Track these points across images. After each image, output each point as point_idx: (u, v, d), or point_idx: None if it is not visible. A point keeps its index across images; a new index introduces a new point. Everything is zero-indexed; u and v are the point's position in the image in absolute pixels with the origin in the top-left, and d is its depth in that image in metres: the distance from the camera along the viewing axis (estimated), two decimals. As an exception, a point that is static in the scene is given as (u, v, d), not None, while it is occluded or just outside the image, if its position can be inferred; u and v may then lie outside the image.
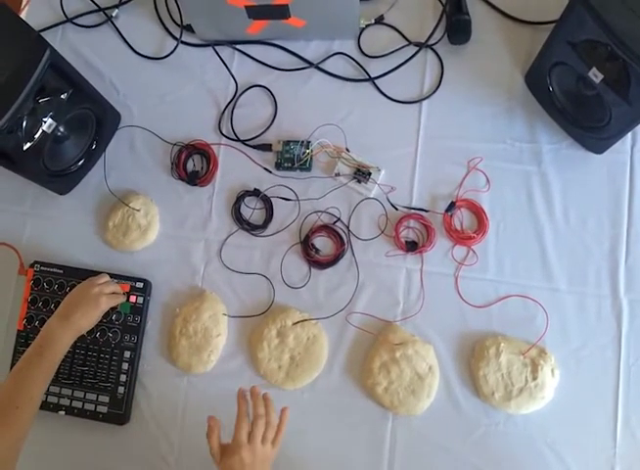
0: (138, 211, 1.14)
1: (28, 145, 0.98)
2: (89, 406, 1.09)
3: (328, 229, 1.11)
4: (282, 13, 1.08)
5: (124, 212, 1.15)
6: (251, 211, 1.14)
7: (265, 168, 1.15)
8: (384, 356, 1.04)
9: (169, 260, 1.15)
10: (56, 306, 1.06)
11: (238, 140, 1.17)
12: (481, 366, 1.02)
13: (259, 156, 1.16)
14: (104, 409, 1.09)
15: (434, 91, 1.15)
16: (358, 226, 1.11)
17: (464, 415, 1.03)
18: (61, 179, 1.13)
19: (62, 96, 1.00)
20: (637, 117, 0.91)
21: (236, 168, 1.16)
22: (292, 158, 1.14)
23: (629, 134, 1.07)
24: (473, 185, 1.10)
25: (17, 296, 1.16)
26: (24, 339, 1.12)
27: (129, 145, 1.20)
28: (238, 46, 1.21)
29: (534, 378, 1.01)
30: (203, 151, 1.17)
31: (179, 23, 1.21)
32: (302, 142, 1.14)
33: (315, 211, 1.12)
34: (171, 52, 1.21)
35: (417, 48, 1.16)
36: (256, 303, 1.11)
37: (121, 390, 1.09)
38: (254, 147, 1.16)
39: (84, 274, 1.12)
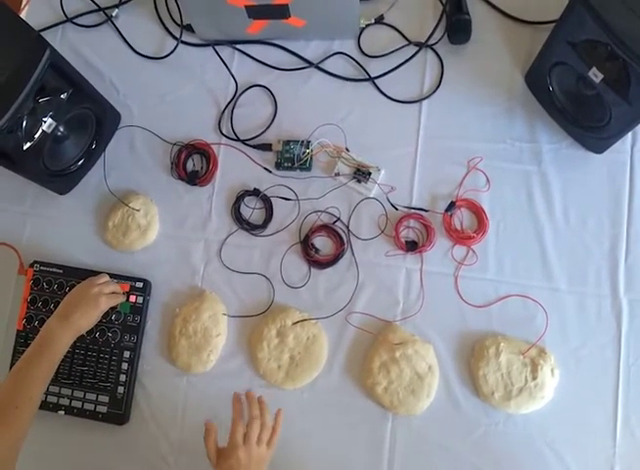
0: (138, 210, 1.14)
1: (28, 145, 0.98)
2: (89, 406, 1.09)
3: (328, 229, 1.11)
4: (282, 13, 1.08)
5: (124, 212, 1.15)
6: (251, 210, 1.14)
7: (265, 168, 1.15)
8: (383, 356, 1.04)
9: (169, 260, 1.15)
10: (55, 306, 1.06)
11: (238, 140, 1.17)
12: (481, 366, 1.02)
13: (259, 155, 1.16)
14: (103, 409, 1.09)
15: (435, 91, 1.15)
16: (358, 226, 1.11)
17: (464, 415, 1.03)
18: (61, 179, 1.13)
19: (62, 96, 1.00)
20: (637, 116, 0.91)
21: (236, 168, 1.16)
22: (292, 157, 1.13)
23: (629, 134, 1.07)
24: (473, 185, 1.10)
25: (16, 296, 1.16)
26: (24, 339, 1.12)
27: (129, 145, 1.20)
28: (238, 46, 1.21)
29: (534, 378, 1.01)
30: (202, 151, 1.17)
31: (179, 22, 1.21)
32: (302, 142, 1.14)
33: (315, 211, 1.12)
34: (171, 52, 1.21)
35: (417, 48, 1.16)
36: (256, 302, 1.11)
37: (121, 390, 1.09)
38: (254, 147, 1.16)
39: (84, 274, 1.12)
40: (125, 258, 1.16)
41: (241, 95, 1.20)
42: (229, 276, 1.13)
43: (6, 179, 1.15)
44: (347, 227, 1.11)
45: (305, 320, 1.08)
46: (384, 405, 1.04)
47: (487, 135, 1.12)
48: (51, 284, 1.13)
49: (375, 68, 1.17)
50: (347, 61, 1.18)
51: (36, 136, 0.98)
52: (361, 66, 1.17)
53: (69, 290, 1.08)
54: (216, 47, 1.21)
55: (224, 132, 1.18)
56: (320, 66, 1.19)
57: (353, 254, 1.10)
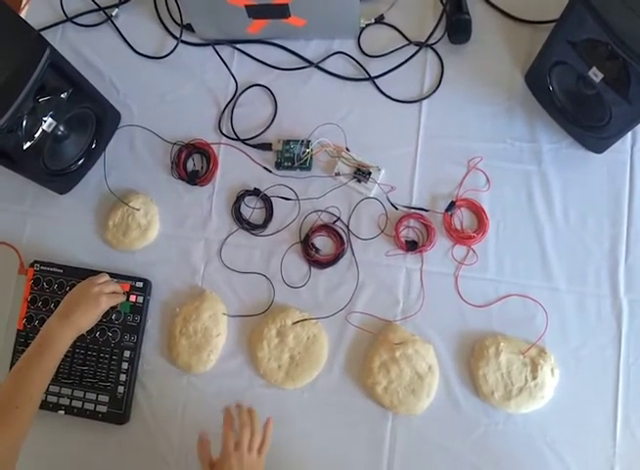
0: (138, 210, 1.14)
1: (28, 144, 0.98)
2: (89, 406, 1.09)
3: (328, 229, 1.11)
4: (282, 12, 1.08)
5: (124, 212, 1.15)
6: (251, 210, 1.14)
7: (265, 168, 1.15)
8: (383, 356, 1.04)
9: (169, 260, 1.15)
10: (55, 306, 1.06)
11: (238, 139, 1.17)
12: (481, 366, 1.02)
13: (259, 155, 1.16)
14: (103, 409, 1.09)
15: (435, 90, 1.15)
16: (358, 226, 1.11)
17: (464, 415, 1.03)
18: (61, 178, 1.13)
19: (62, 95, 1.00)
20: (637, 116, 0.91)
21: (236, 168, 1.16)
22: (292, 157, 1.13)
23: (629, 134, 1.07)
24: (473, 185, 1.10)
25: (16, 295, 1.16)
26: (24, 338, 1.12)
27: (129, 144, 1.20)
28: (238, 45, 1.21)
29: (534, 377, 1.01)
30: (203, 150, 1.17)
31: (179, 22, 1.21)
32: (302, 141, 1.14)
33: (315, 211, 1.12)
34: (171, 51, 1.21)
35: (417, 47, 1.16)
36: (256, 302, 1.11)
37: (121, 389, 1.09)
38: (254, 146, 1.16)
39: (84, 274, 1.12)
40: (125, 258, 1.16)
41: (241, 95, 1.20)
42: (229, 276, 1.13)
43: (6, 179, 1.15)
44: (348, 227, 1.11)
45: (305, 320, 1.08)
46: (384, 405, 1.04)
47: (487, 135, 1.12)
48: (51, 284, 1.13)
49: (375, 67, 1.17)
50: (347, 60, 1.18)
51: (36, 136, 0.98)
52: (361, 65, 1.17)
53: (70, 289, 1.08)
54: (216, 47, 1.21)
55: (224, 132, 1.18)
56: (320, 65, 1.19)
57: (353, 253, 1.10)
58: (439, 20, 1.15)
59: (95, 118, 1.12)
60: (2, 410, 0.91)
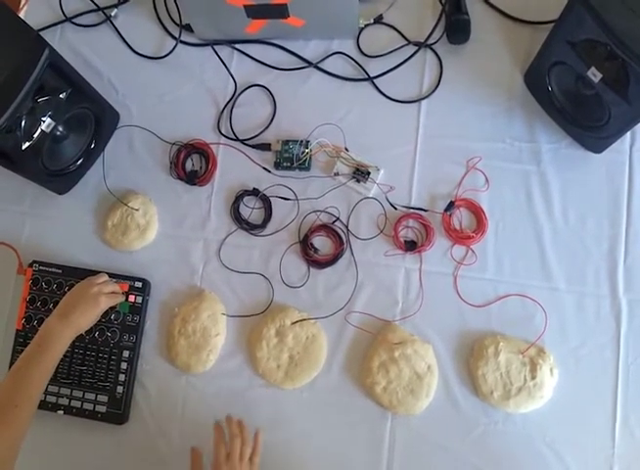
0: (137, 210, 1.14)
1: (27, 144, 0.98)
2: (88, 406, 1.09)
3: (327, 229, 1.11)
4: (281, 12, 1.08)
5: (123, 212, 1.15)
6: (250, 210, 1.14)
7: (264, 168, 1.15)
8: (383, 356, 1.04)
9: (168, 260, 1.15)
10: (54, 306, 1.05)
11: (237, 139, 1.17)
12: (480, 365, 1.02)
13: (258, 155, 1.16)
14: (102, 409, 1.09)
15: (434, 91, 1.15)
16: (357, 226, 1.11)
17: (463, 414, 1.03)
18: (59, 179, 1.13)
19: (60, 95, 1.00)
20: (636, 116, 0.91)
21: (235, 168, 1.16)
22: (291, 157, 1.13)
23: (628, 134, 1.07)
24: (472, 185, 1.10)
25: (15, 295, 1.16)
26: (23, 338, 1.12)
27: (128, 144, 1.20)
28: (237, 45, 1.21)
29: (533, 377, 1.01)
30: (201, 150, 1.17)
31: (178, 22, 1.21)
32: (301, 141, 1.14)
33: (314, 211, 1.12)
34: (170, 51, 1.21)
35: (416, 48, 1.16)
36: (255, 302, 1.11)
37: (120, 389, 1.09)
38: (253, 146, 1.16)
39: (83, 274, 1.12)
40: (124, 258, 1.16)
41: (240, 95, 1.20)
42: (228, 276, 1.13)
43: (5, 179, 1.15)
44: (347, 227, 1.11)
45: (304, 320, 1.08)
46: (383, 405, 1.04)
47: (486, 135, 1.12)
48: (50, 284, 1.13)
49: (374, 67, 1.17)
50: (346, 60, 1.18)
51: (35, 136, 0.98)
52: (360, 65, 1.17)
53: (69, 289, 1.08)
54: (215, 47, 1.21)
55: (223, 132, 1.18)
56: (319, 65, 1.19)
57: (352, 253, 1.10)
58: (438, 20, 1.15)
59: (94, 119, 1.12)
60: (1, 410, 0.90)
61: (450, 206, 1.08)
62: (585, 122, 1.02)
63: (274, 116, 1.18)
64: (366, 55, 1.18)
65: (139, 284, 1.12)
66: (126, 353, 1.10)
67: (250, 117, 1.18)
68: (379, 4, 1.19)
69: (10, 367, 1.09)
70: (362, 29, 1.18)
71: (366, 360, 1.06)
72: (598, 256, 1.06)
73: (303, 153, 1.13)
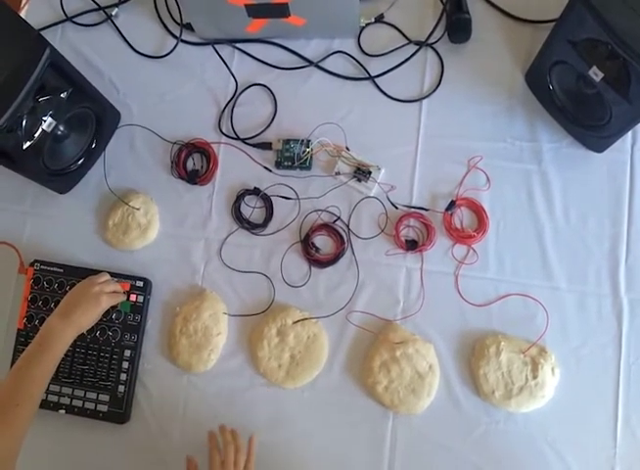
0: (138, 209, 1.14)
1: (28, 144, 0.98)
2: (89, 405, 1.09)
3: (328, 228, 1.11)
4: (282, 11, 1.08)
5: (124, 211, 1.15)
6: (252, 209, 1.14)
7: (265, 167, 1.15)
8: (384, 355, 1.04)
9: (169, 259, 1.15)
10: (56, 305, 1.05)
11: (238, 139, 1.17)
12: (482, 365, 1.02)
13: (259, 154, 1.16)
14: (104, 408, 1.09)
15: (435, 90, 1.15)
16: (358, 225, 1.11)
17: (464, 414, 1.03)
18: (61, 178, 1.13)
19: (61, 95, 1.00)
20: (637, 115, 0.91)
21: (236, 167, 1.16)
22: (292, 156, 1.13)
23: (629, 133, 1.07)
24: (473, 184, 1.10)
25: (17, 294, 1.16)
26: (24, 338, 1.12)
27: (129, 144, 1.20)
28: (238, 45, 1.21)
29: (535, 377, 1.01)
30: (202, 149, 1.17)
31: (179, 21, 1.21)
32: (302, 141, 1.13)
33: (315, 210, 1.12)
34: (171, 51, 1.21)
35: (417, 47, 1.16)
36: (257, 301, 1.11)
37: (122, 388, 1.09)
38: (254, 146, 1.16)
39: (84, 273, 1.12)
40: (125, 257, 1.16)
41: (241, 94, 1.19)
42: (229, 275, 1.13)
43: (6, 178, 1.15)
44: (348, 226, 1.11)
45: (306, 319, 1.08)
46: (384, 404, 1.04)
47: (488, 134, 1.12)
48: (51, 283, 1.13)
49: (375, 66, 1.17)
50: (347, 60, 1.18)
51: (36, 135, 0.98)
52: (361, 64, 1.17)
53: (70, 289, 1.08)
54: (216, 46, 1.20)
55: (224, 131, 1.18)
56: (320, 64, 1.18)
57: (354, 253, 1.10)
58: (439, 19, 1.15)
59: (95, 118, 1.12)
60: (2, 409, 0.91)
61: (451, 205, 1.08)
62: (586, 122, 1.02)
63: (275, 115, 1.18)
64: (367, 54, 1.18)
65: (140, 283, 1.12)
66: (128, 353, 1.10)
67: (251, 117, 1.18)
68: (380, 3, 1.19)
69: (11, 366, 1.09)
70: (363, 28, 1.18)
71: (367, 360, 1.06)
72: (599, 255, 1.06)
73: (304, 152, 1.13)
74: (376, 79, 1.16)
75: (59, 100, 1.00)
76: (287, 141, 1.14)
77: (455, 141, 1.12)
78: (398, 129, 1.14)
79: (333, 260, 1.10)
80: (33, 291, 1.13)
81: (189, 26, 1.20)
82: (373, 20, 1.18)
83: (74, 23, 1.27)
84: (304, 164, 1.13)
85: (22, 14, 1.30)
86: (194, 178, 1.16)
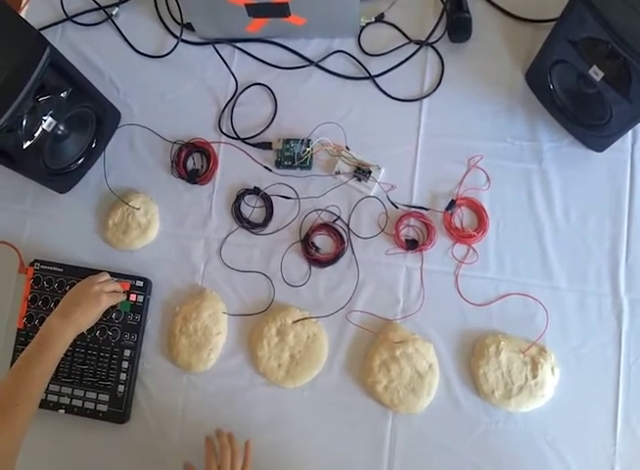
0: (138, 209, 1.14)
1: (28, 143, 0.98)
2: (89, 405, 1.09)
3: (328, 227, 1.11)
4: (282, 11, 1.08)
5: (124, 211, 1.15)
6: (252, 209, 1.14)
7: (265, 167, 1.15)
8: (384, 355, 1.04)
9: (169, 259, 1.15)
10: (56, 305, 1.05)
11: (238, 138, 1.17)
12: (481, 364, 1.02)
13: (259, 154, 1.16)
14: (104, 408, 1.09)
15: (435, 89, 1.15)
16: (358, 224, 1.11)
17: (464, 413, 1.03)
18: (61, 178, 1.13)
19: (62, 94, 1.00)
20: (638, 114, 0.91)
21: (236, 167, 1.16)
22: (292, 156, 1.13)
23: (630, 132, 1.07)
24: (473, 183, 1.10)
25: (17, 294, 1.16)
26: (24, 337, 1.12)
27: (129, 143, 1.20)
28: (238, 44, 1.21)
29: (534, 376, 1.01)
30: (203, 149, 1.17)
31: (179, 21, 1.21)
32: (303, 140, 1.13)
33: (315, 210, 1.12)
34: (171, 50, 1.21)
35: (417, 46, 1.16)
36: (256, 301, 1.11)
37: (121, 388, 1.09)
38: (254, 145, 1.16)
39: (84, 273, 1.12)
40: (125, 257, 1.16)
41: (241, 93, 1.19)
42: (229, 275, 1.13)
43: (6, 178, 1.15)
44: (348, 226, 1.11)
45: (306, 319, 1.08)
46: (384, 404, 1.04)
47: (488, 133, 1.12)
48: (51, 283, 1.13)
49: (375, 66, 1.17)
50: (348, 59, 1.18)
51: (36, 135, 0.98)
52: (361, 64, 1.17)
53: (70, 288, 1.08)
54: (216, 45, 1.20)
55: (224, 131, 1.18)
56: (320, 64, 1.18)
57: (354, 252, 1.10)
58: (440, 18, 1.15)
59: (95, 118, 1.12)
60: (2, 408, 0.90)
61: (451, 204, 1.08)
62: (587, 121, 1.02)
63: (275, 114, 1.18)
64: (367, 53, 1.18)
65: (140, 283, 1.12)
66: (127, 352, 1.10)
67: (251, 116, 1.18)
68: (380, 2, 1.19)
69: (11, 366, 1.09)
70: (363, 28, 1.18)
71: (367, 359, 1.06)
72: (599, 254, 1.05)
73: (304, 151, 1.13)
74: (376, 79, 1.16)
75: (59, 99, 1.00)
76: (287, 141, 1.14)
77: (455, 140, 1.12)
78: (398, 129, 1.14)
79: (333, 260, 1.10)
80: (33, 290, 1.13)
81: (189, 26, 1.20)
82: (373, 19, 1.18)
83: (75, 22, 1.27)
84: (304, 164, 1.13)
85: (23, 13, 1.30)
86: (194, 178, 1.16)
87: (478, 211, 1.09)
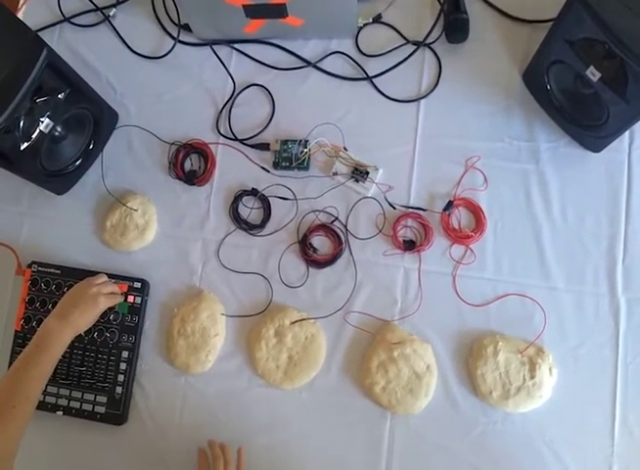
0: (136, 210, 1.14)
1: (26, 145, 0.98)
2: (87, 407, 1.09)
3: (326, 228, 1.11)
4: (279, 12, 1.08)
5: (122, 212, 1.15)
6: (249, 210, 1.14)
7: (263, 168, 1.15)
8: (381, 356, 1.04)
9: (167, 260, 1.15)
10: (53, 307, 1.05)
11: (236, 139, 1.17)
12: (479, 365, 1.02)
13: (257, 155, 1.16)
14: (102, 410, 1.08)
15: (432, 90, 1.15)
16: (356, 225, 1.11)
17: (462, 414, 1.03)
18: (58, 179, 1.13)
19: (59, 96, 1.00)
20: (635, 115, 0.91)
21: (234, 168, 1.16)
22: (289, 157, 1.13)
23: (627, 133, 1.07)
24: (470, 184, 1.10)
25: (14, 296, 1.16)
26: (22, 339, 1.12)
27: (127, 144, 1.20)
28: (235, 45, 1.21)
29: (532, 377, 1.01)
30: (200, 150, 1.17)
31: (177, 22, 1.21)
32: (300, 141, 1.13)
33: (313, 211, 1.12)
34: (169, 51, 1.21)
35: (415, 47, 1.16)
36: (254, 302, 1.11)
37: (119, 390, 1.08)
38: (252, 146, 1.16)
39: (82, 274, 1.11)
40: (123, 259, 1.15)
41: (238, 94, 1.19)
42: (227, 276, 1.13)
43: (3, 179, 1.15)
44: (345, 227, 1.11)
45: (304, 320, 1.08)
46: (382, 405, 1.04)
47: (485, 134, 1.12)
48: (49, 284, 1.13)
49: (373, 67, 1.17)
50: (345, 60, 1.18)
51: (34, 136, 0.98)
52: (359, 65, 1.17)
53: (67, 290, 1.08)
54: (214, 46, 1.21)
55: (222, 132, 1.18)
56: (318, 65, 1.18)
57: (351, 253, 1.10)
58: (437, 19, 1.15)
59: (92, 119, 1.12)
60: (-1, 410, 0.91)
61: (449, 205, 1.08)
62: (584, 121, 1.02)
63: (273, 115, 1.18)
64: (365, 54, 1.18)
65: (138, 284, 1.12)
66: (125, 354, 1.10)
67: (248, 117, 1.18)
68: (377, 3, 1.19)
69: (9, 368, 1.09)
70: (361, 29, 1.18)
71: (365, 360, 1.06)
72: (597, 254, 1.06)
73: (302, 153, 1.13)
74: (374, 80, 1.16)
75: (56, 101, 1.00)
76: (284, 142, 1.14)
77: (453, 141, 1.12)
78: (396, 129, 1.14)
79: (330, 261, 1.10)
80: (31, 292, 1.13)
81: (187, 27, 1.20)
82: (371, 20, 1.18)
83: (72, 23, 1.27)
84: (302, 165, 1.13)
85: (20, 15, 1.30)
86: (191, 179, 1.16)
87: (475, 211, 1.09)
